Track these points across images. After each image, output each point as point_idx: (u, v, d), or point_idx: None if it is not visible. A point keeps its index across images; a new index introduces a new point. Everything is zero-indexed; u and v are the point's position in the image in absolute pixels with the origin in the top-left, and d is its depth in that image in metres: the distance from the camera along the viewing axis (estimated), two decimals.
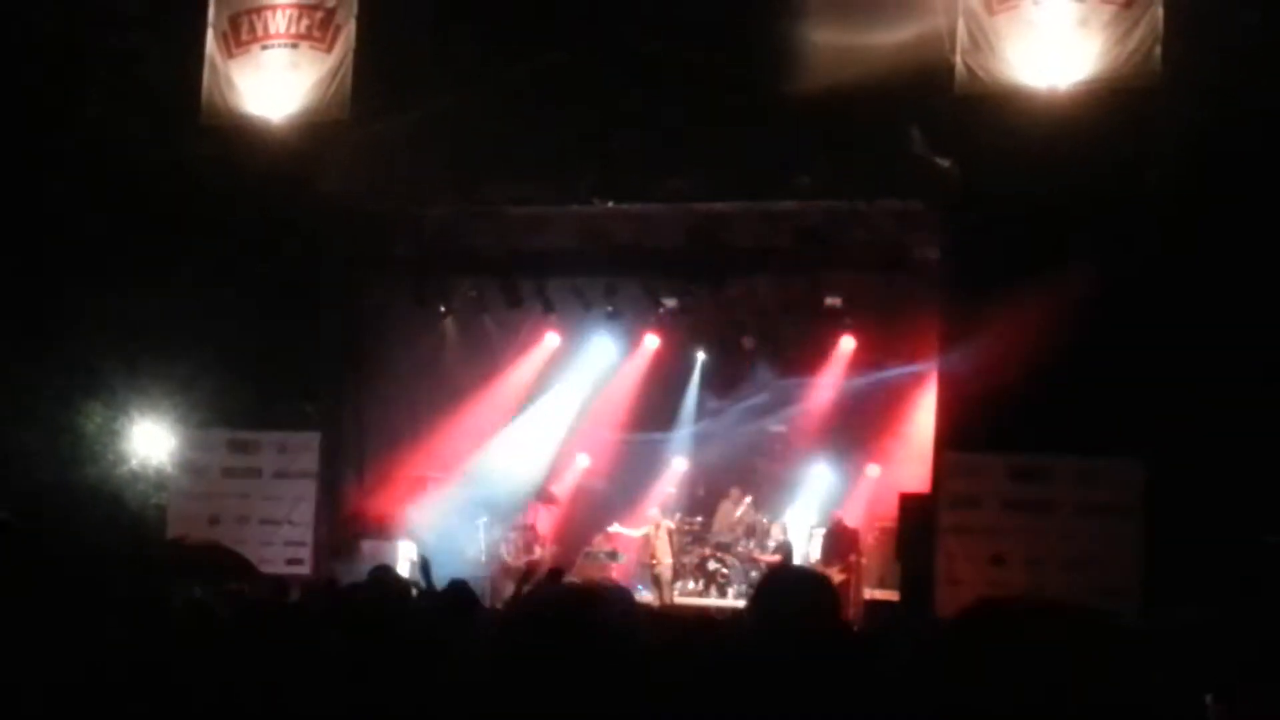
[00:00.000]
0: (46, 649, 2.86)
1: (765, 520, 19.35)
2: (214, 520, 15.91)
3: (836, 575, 17.10)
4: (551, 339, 20.51)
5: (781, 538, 18.40)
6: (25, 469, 16.25)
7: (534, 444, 20.73)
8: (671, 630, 6.11)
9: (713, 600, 18.28)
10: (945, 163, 14.28)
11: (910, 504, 14.93)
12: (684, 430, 21.11)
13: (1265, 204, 12.56)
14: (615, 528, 19.70)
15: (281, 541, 15.95)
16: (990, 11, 13.83)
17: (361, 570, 10.43)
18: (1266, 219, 12.53)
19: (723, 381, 20.77)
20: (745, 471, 20.89)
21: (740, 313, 18.86)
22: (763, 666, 3.59)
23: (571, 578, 14.30)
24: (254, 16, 16.13)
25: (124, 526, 16.19)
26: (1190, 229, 12.74)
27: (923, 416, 16.48)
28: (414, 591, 14.11)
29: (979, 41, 13.93)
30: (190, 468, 16.72)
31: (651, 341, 20.47)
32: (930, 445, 14.86)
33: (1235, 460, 12.25)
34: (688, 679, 3.79)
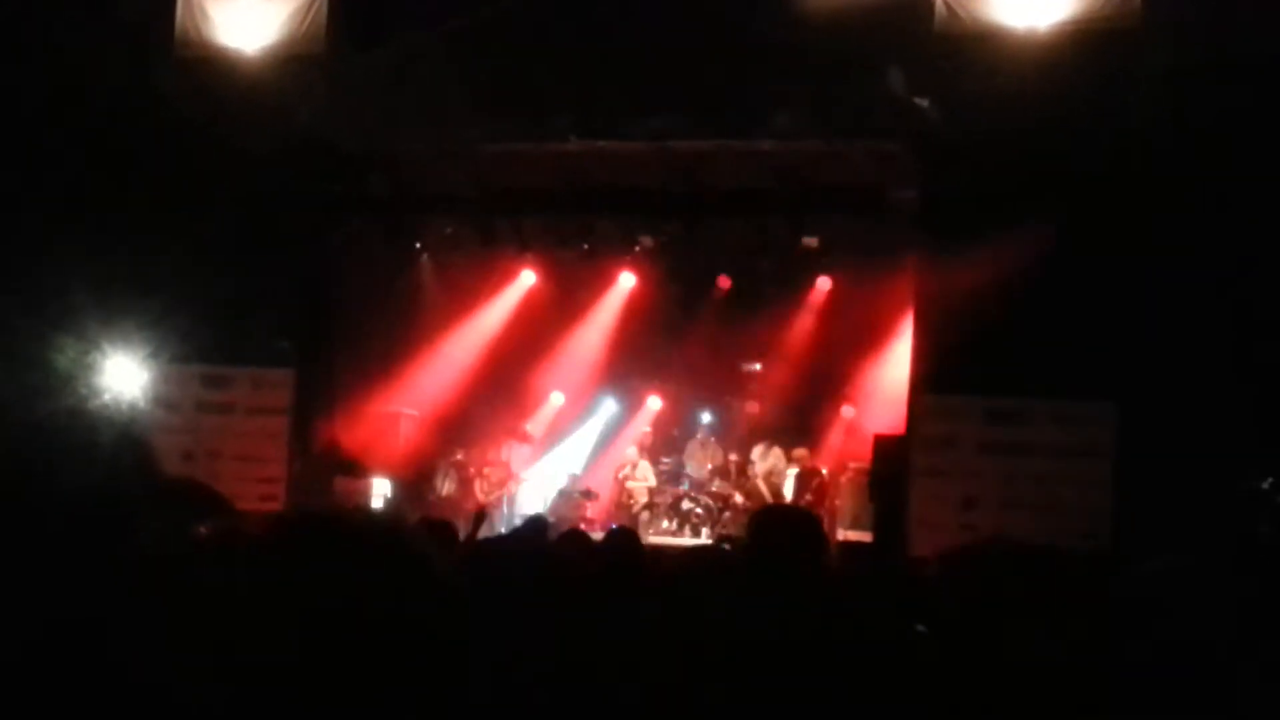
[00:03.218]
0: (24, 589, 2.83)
1: (735, 459, 19.38)
2: (187, 456, 15.84)
3: None
4: (527, 277, 20.49)
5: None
6: None
7: (509, 382, 20.72)
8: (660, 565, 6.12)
9: (687, 540, 18.32)
10: (924, 103, 14.23)
11: (885, 445, 14.97)
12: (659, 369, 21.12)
13: (1245, 147, 12.54)
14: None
15: (255, 478, 15.90)
16: None
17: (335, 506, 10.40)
18: (1246, 162, 12.52)
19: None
20: (720, 411, 20.95)
21: (716, 252, 18.81)
22: (756, 601, 3.61)
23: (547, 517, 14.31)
24: None
25: (100, 461, 16.03)
26: (1169, 171, 12.73)
27: (899, 358, 16.50)
28: None
29: None
30: (164, 403, 16.64)
31: (627, 280, 20.44)
32: (905, 387, 14.88)
33: (1209, 404, 12.29)
34: (682, 614, 3.81)
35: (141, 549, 2.99)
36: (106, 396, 17.34)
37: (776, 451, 18.71)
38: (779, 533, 4.00)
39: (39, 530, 2.77)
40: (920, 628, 3.76)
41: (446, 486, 19.32)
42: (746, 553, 4.01)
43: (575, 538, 6.74)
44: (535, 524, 9.57)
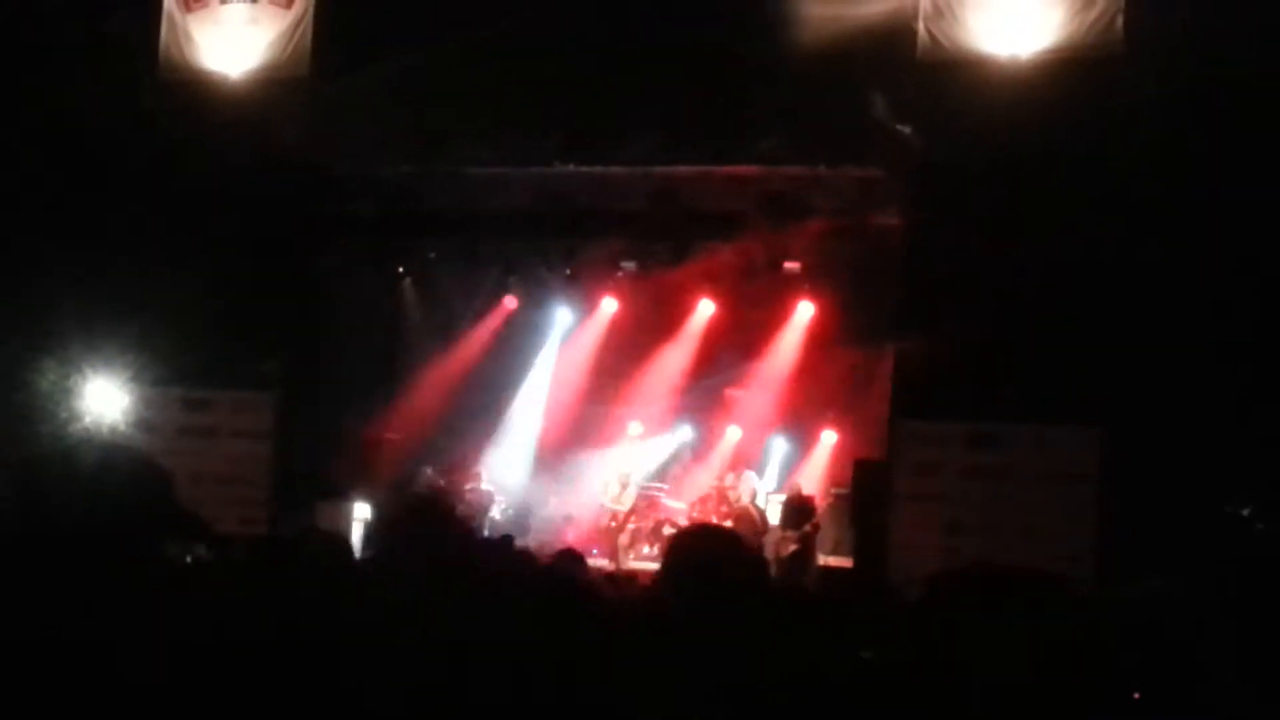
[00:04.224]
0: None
1: (714, 484, 19.28)
2: None
3: (791, 544, 17.11)
4: (509, 301, 20.47)
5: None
6: None
7: (490, 406, 20.69)
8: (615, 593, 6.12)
9: None
10: (907, 130, 14.27)
11: (865, 470, 14.95)
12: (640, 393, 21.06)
13: (1226, 172, 12.59)
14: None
15: (236, 501, 15.83)
16: None
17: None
18: (1227, 188, 12.57)
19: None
20: (701, 435, 20.93)
21: (699, 276, 18.80)
22: (672, 626, 3.55)
23: (527, 542, 14.30)
24: None
25: (81, 482, 15.86)
26: (1151, 198, 12.76)
27: (881, 382, 16.48)
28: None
29: (942, 8, 13.94)
30: (145, 426, 16.58)
31: (609, 305, 20.43)
32: (887, 411, 14.86)
33: (1192, 429, 12.30)
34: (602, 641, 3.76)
35: (127, 569, 2.98)
36: (88, 419, 17.28)
37: (748, 475, 18.63)
38: (696, 557, 3.87)
39: (25, 550, 2.76)
40: (866, 654, 3.75)
41: None
42: (662, 577, 3.89)
43: (523, 557, 6.81)
44: (500, 545, 9.60)
